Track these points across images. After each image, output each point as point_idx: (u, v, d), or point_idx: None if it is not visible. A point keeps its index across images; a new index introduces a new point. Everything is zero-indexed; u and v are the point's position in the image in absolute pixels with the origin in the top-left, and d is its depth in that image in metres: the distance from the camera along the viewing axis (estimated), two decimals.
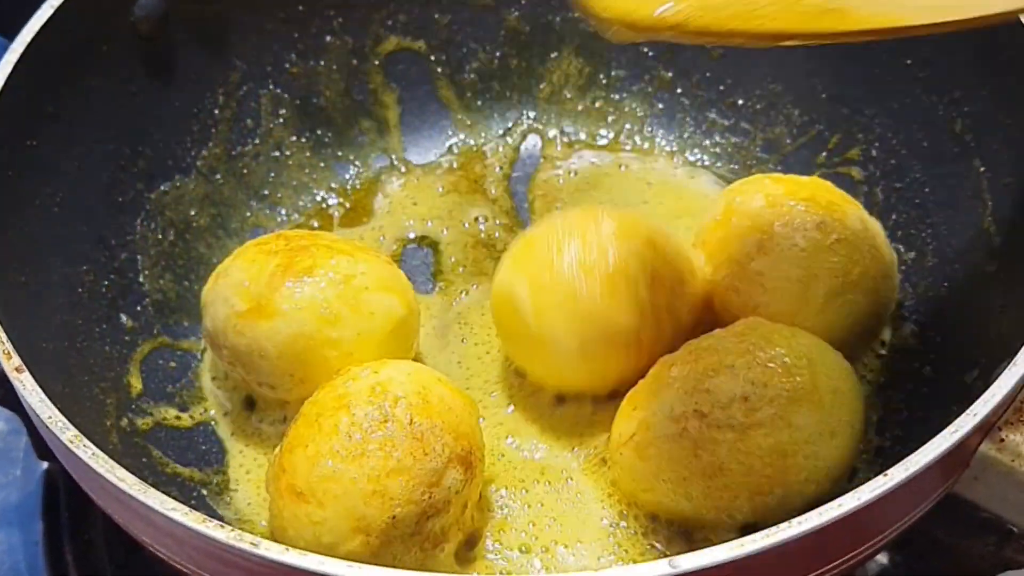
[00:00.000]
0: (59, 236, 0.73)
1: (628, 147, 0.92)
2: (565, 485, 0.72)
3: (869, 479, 0.51)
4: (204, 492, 0.71)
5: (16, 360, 0.58)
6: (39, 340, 0.66)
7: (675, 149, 0.91)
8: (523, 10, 0.92)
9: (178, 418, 0.75)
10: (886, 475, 0.50)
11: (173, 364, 0.78)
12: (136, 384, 0.74)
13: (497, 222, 0.88)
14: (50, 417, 0.56)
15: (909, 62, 0.78)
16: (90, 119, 0.77)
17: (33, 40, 0.72)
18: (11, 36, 0.73)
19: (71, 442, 0.55)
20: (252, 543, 0.50)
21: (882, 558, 0.73)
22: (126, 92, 0.80)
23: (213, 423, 0.76)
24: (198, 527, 0.51)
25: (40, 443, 0.79)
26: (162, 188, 0.82)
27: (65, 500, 0.80)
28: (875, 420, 0.72)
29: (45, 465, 0.82)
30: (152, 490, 0.52)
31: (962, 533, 0.68)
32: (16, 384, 0.58)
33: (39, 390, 0.57)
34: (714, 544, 0.48)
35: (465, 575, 0.67)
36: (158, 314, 0.79)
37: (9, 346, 0.59)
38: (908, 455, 0.51)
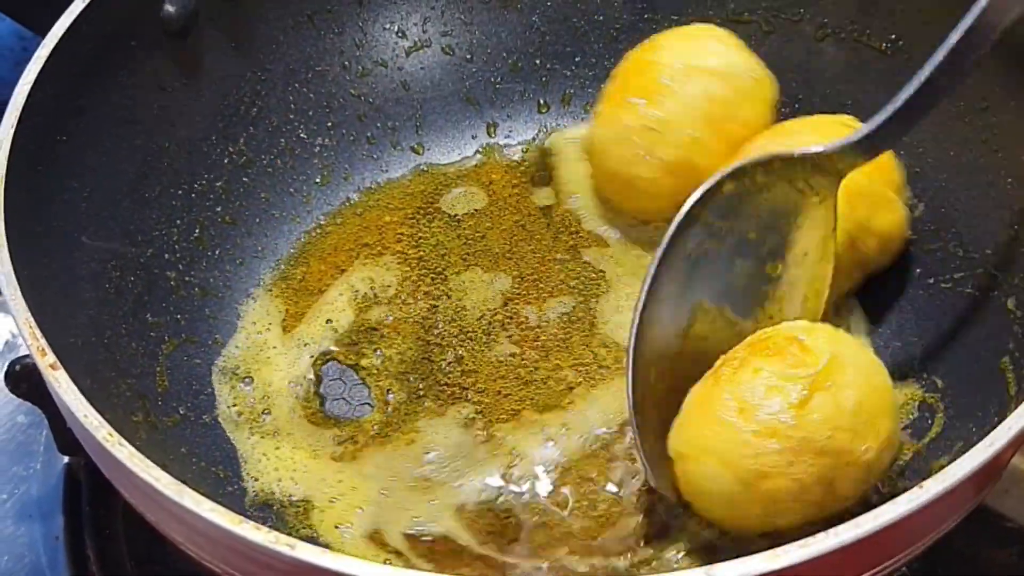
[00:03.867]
0: (86, 232, 0.73)
1: None
2: None
3: (901, 492, 0.51)
4: (231, 490, 0.72)
5: (51, 357, 0.58)
6: (67, 336, 0.65)
7: None
8: (548, 12, 0.92)
9: (204, 415, 0.75)
10: (921, 487, 0.50)
11: (198, 361, 0.78)
12: (162, 381, 0.74)
13: (521, 222, 0.88)
14: (85, 415, 0.56)
15: None
16: (118, 115, 0.77)
17: (63, 36, 0.72)
18: (42, 32, 0.73)
19: (106, 440, 0.55)
20: (289, 545, 0.50)
21: None
22: (154, 88, 0.80)
23: (235, 421, 0.76)
24: (234, 528, 0.51)
25: (63, 438, 0.79)
26: (188, 185, 0.83)
27: (87, 495, 0.80)
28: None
29: (66, 459, 0.82)
30: (187, 490, 0.52)
31: (984, 542, 0.68)
32: (51, 381, 0.58)
33: (74, 388, 0.57)
34: None
35: None
36: (183, 311, 0.79)
37: (43, 342, 0.59)
38: (931, 466, 0.52)
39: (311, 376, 0.79)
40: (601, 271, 0.84)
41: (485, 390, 0.78)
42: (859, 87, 0.83)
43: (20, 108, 0.69)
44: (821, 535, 0.49)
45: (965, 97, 0.76)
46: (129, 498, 0.60)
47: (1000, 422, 0.53)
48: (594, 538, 0.70)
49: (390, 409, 0.77)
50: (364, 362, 0.80)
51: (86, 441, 0.58)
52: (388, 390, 0.78)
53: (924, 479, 0.51)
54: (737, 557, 0.48)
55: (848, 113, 0.79)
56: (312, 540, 0.69)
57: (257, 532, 0.50)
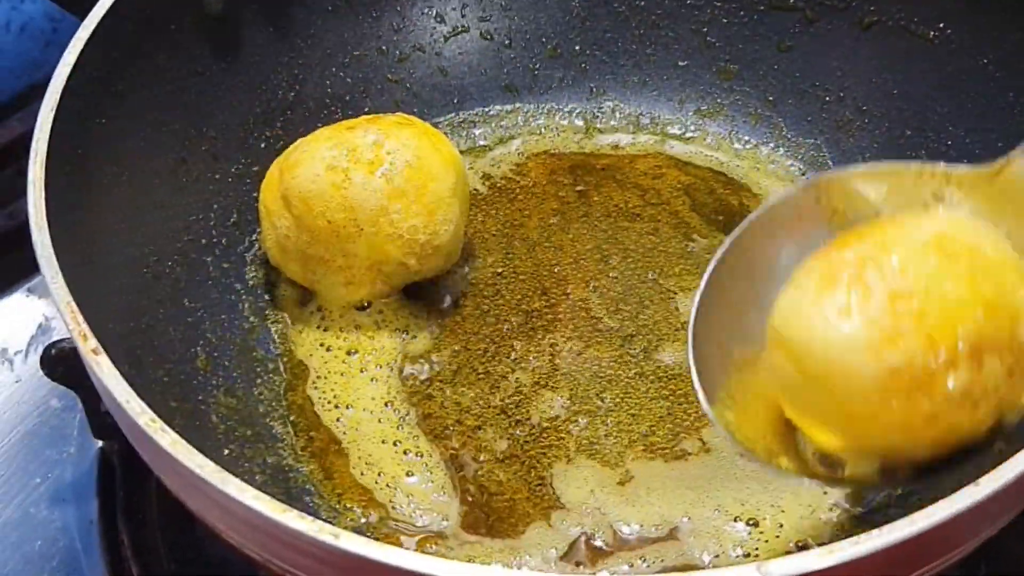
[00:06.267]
0: (125, 216, 0.73)
1: (683, 135, 0.92)
2: None
3: (955, 489, 0.50)
4: (270, 474, 0.71)
5: (93, 342, 0.58)
6: (106, 321, 0.65)
7: (740, 139, 0.91)
8: None
9: (241, 399, 0.75)
10: (977, 484, 0.50)
11: (234, 347, 0.78)
12: (199, 365, 0.74)
13: (559, 209, 0.87)
14: (128, 401, 0.55)
15: (985, 61, 0.77)
16: (157, 99, 0.77)
17: (103, 19, 0.72)
18: (81, 15, 0.73)
19: (148, 426, 0.54)
20: (333, 535, 0.49)
21: None
22: (192, 72, 0.80)
23: (275, 404, 0.76)
24: (278, 517, 0.50)
25: (97, 422, 0.79)
26: (225, 169, 0.82)
27: (120, 479, 0.80)
28: None
29: (99, 443, 0.82)
30: (231, 477, 0.52)
31: None
32: (92, 366, 0.57)
33: (116, 373, 0.56)
34: None
35: None
36: (220, 296, 0.79)
37: (85, 327, 0.58)
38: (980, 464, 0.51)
39: (345, 361, 0.79)
40: (646, 264, 0.84)
41: (520, 380, 0.77)
42: (906, 77, 0.82)
43: (60, 91, 0.68)
44: (875, 532, 0.48)
45: (1013, 87, 0.76)
46: (169, 484, 0.60)
47: None
48: None
49: (423, 395, 0.77)
50: (392, 347, 0.79)
51: (127, 427, 0.57)
52: (418, 374, 0.78)
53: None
54: None
55: (896, 103, 0.78)
56: (350, 529, 0.69)
57: (301, 521, 0.50)
